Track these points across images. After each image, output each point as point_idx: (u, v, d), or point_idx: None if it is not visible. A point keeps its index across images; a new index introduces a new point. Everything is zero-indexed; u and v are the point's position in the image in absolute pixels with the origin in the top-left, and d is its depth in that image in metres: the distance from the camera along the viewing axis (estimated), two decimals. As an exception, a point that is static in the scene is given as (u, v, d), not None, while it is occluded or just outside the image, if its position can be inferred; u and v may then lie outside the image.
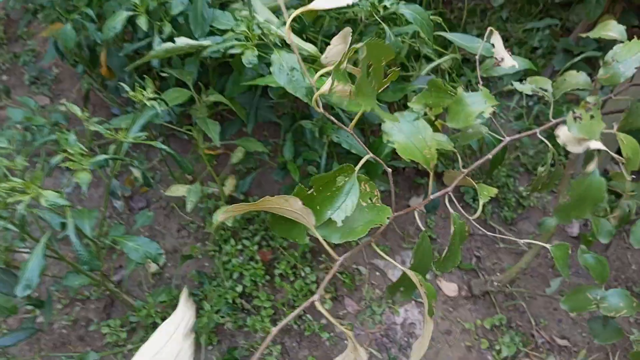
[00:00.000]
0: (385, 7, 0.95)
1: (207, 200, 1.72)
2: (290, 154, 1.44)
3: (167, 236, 1.75)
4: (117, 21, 0.97)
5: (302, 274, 1.64)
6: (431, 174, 0.77)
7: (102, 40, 1.08)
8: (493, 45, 1.10)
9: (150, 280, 1.64)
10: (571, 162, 1.51)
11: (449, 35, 1.13)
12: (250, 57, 0.86)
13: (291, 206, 0.61)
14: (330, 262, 1.72)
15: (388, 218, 0.65)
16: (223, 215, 0.63)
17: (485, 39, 1.11)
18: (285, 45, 0.95)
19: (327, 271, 1.70)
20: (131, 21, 0.99)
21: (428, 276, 1.73)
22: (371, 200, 0.66)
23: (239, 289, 1.58)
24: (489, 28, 1.15)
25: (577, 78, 1.09)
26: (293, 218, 0.63)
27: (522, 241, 0.94)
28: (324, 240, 0.63)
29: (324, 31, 1.39)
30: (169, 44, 0.96)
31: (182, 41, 0.95)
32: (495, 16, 2.41)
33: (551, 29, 2.29)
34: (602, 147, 0.86)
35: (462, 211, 0.90)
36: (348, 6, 1.12)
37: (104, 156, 0.94)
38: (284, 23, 0.91)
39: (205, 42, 0.96)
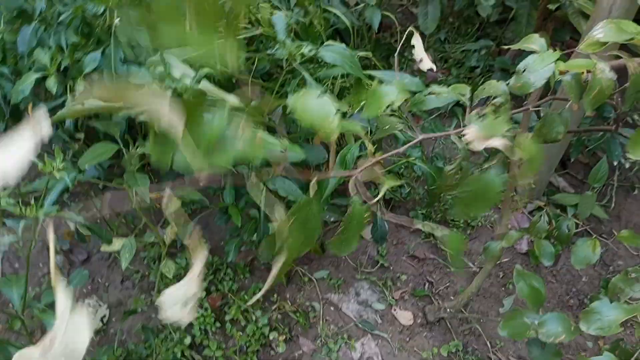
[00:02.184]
0: (302, 55, 0.94)
1: (150, 249, 1.66)
2: (231, 199, 1.40)
3: (110, 288, 1.68)
4: (26, 84, 0.92)
5: (254, 318, 1.60)
6: (332, 148, 0.86)
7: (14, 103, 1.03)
8: (414, 47, 1.12)
9: (93, 338, 1.57)
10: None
11: (374, 73, 1.13)
12: None
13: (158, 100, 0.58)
14: (283, 301, 1.68)
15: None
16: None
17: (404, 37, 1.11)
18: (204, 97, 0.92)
19: (280, 312, 1.66)
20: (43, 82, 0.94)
21: (382, 306, 1.72)
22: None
23: (188, 340, 1.52)
24: (410, 29, 1.16)
25: (495, 87, 1.12)
26: (163, 125, 0.60)
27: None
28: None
29: (259, 71, 1.36)
30: (79, 107, 0.91)
31: (92, 103, 0.90)
32: (434, 38, 2.45)
33: (488, 48, 2.34)
34: (502, 145, 0.89)
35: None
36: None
37: (8, 238, 0.88)
38: (203, 77, 0.89)
39: (118, 104, 0.91)
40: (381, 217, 1.77)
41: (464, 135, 1.01)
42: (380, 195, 1.04)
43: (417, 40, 1.09)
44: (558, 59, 0.86)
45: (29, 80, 0.93)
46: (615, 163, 2.04)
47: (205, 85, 0.90)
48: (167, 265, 1.40)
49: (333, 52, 0.97)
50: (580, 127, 1.95)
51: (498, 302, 1.77)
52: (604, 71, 0.81)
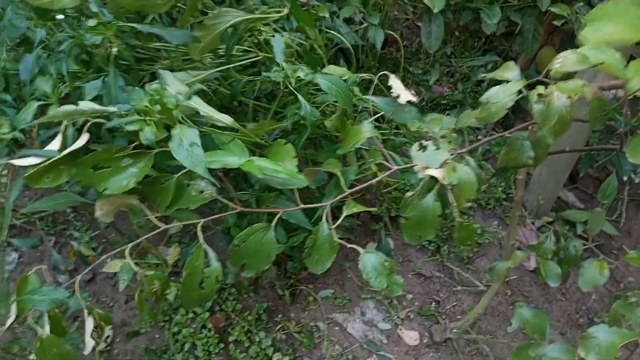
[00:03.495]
0: (299, 79, 0.93)
1: (155, 268, 1.65)
2: (233, 219, 1.40)
3: (115, 308, 1.68)
4: (28, 113, 0.93)
5: (257, 339, 1.59)
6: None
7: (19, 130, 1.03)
8: (391, 88, 1.14)
9: (98, 359, 1.56)
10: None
11: (371, 99, 1.12)
12: (148, 134, 0.83)
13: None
14: (287, 321, 1.67)
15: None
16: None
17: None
18: (198, 117, 0.92)
19: (284, 332, 1.64)
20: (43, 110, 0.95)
21: (388, 326, 1.70)
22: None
23: (192, 361, 1.51)
24: (384, 72, 1.19)
25: (471, 117, 1.13)
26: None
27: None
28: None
29: (262, 91, 1.36)
30: (70, 107, 0.90)
31: (85, 105, 0.90)
32: (440, 52, 2.43)
33: (494, 63, 2.32)
34: (437, 173, 0.92)
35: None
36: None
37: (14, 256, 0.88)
38: (195, 93, 0.88)
39: (111, 108, 0.91)
40: (385, 234, 1.75)
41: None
42: (339, 222, 1.05)
43: (393, 80, 1.11)
44: (537, 85, 0.86)
45: (31, 108, 0.93)
46: (625, 178, 2.00)
47: (197, 102, 0.90)
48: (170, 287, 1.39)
49: (329, 81, 0.96)
50: (588, 143, 1.93)
51: (506, 321, 1.74)
52: (561, 98, 0.81)
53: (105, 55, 0.95)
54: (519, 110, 2.21)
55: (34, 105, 0.96)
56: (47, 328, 1.00)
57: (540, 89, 0.98)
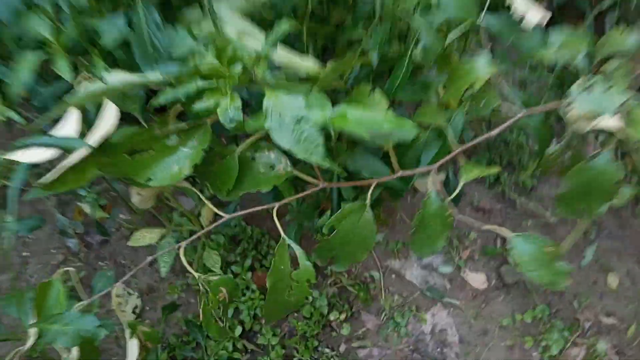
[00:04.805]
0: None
1: (180, 227, 1.40)
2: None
3: (138, 272, 1.45)
4: (26, 71, 0.60)
5: (310, 298, 1.38)
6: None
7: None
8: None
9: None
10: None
11: (485, 17, 0.82)
12: (230, 111, 0.54)
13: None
14: (338, 273, 1.46)
15: None
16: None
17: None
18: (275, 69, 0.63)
19: (337, 286, 1.44)
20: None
21: (450, 269, 1.51)
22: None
23: (238, 330, 1.31)
24: None
25: (623, 39, 0.83)
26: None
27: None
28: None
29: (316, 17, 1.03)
30: (97, 86, 0.62)
31: (116, 78, 0.61)
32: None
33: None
34: (613, 126, 0.65)
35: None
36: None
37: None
38: (275, 41, 0.58)
39: (151, 75, 0.62)
40: (453, 174, 1.51)
41: (565, 111, 0.75)
42: (456, 191, 0.80)
43: None
44: None
45: (29, 65, 0.61)
46: None
47: (281, 52, 0.61)
48: (210, 256, 1.15)
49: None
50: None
51: (578, 254, 1.56)
52: None
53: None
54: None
55: (30, 59, 0.64)
56: (75, 353, 0.77)
57: None
